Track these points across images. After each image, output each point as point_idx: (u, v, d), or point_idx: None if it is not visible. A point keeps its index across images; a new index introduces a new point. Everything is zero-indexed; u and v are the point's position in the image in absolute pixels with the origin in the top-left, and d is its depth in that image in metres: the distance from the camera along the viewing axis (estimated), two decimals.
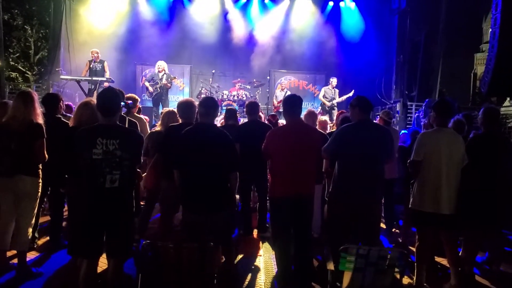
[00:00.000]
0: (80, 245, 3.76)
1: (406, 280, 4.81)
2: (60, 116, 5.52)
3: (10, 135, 4.53)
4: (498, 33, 11.13)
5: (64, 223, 5.86)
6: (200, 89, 14.21)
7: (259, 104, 7.87)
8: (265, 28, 16.62)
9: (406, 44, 15.27)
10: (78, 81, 11.67)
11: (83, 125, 4.32)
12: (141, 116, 7.35)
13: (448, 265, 5.04)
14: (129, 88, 13.94)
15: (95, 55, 12.34)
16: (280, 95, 13.89)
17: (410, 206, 4.76)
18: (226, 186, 4.35)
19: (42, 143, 4.63)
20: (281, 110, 13.05)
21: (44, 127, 4.64)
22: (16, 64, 23.55)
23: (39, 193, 4.81)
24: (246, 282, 4.89)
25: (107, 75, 12.27)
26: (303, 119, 6.36)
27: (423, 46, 14.68)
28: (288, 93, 14.04)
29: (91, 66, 12.33)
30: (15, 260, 4.78)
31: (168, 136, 5.07)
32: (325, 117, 8.30)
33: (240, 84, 14.10)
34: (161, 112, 8.39)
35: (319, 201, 5.99)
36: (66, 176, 4.91)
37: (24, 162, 4.59)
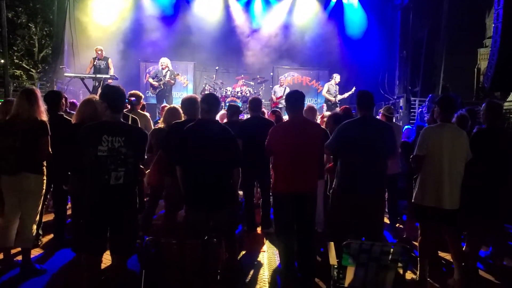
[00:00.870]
0: (84, 242, 3.77)
1: (409, 275, 4.83)
2: (63, 113, 5.53)
3: (14, 132, 4.55)
4: (500, 28, 11.11)
5: (68, 220, 5.89)
6: (203, 85, 14.19)
7: (262, 100, 7.85)
8: (268, 24, 16.57)
9: (409, 40, 15.22)
10: (82, 79, 11.69)
11: (86, 122, 4.34)
12: (145, 113, 7.36)
13: (451, 260, 5.05)
14: (132, 85, 13.92)
15: (99, 52, 12.38)
16: (279, 91, 13.86)
17: (412, 200, 4.76)
18: (228, 182, 4.36)
19: (46, 140, 4.65)
20: (280, 106, 13.14)
21: (48, 125, 4.66)
22: (21, 62, 23.64)
23: (44, 191, 4.83)
24: (250, 278, 4.90)
25: (112, 72, 12.29)
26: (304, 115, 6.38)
27: (426, 42, 14.65)
28: (287, 89, 14.08)
29: (95, 63, 12.37)
30: (20, 257, 4.81)
31: (171, 133, 5.08)
32: (328, 113, 8.28)
33: (243, 80, 14.09)
34: (161, 107, 8.43)
35: (322, 197, 5.99)
36: (69, 173, 4.93)
37: (29, 159, 4.61)
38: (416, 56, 15.04)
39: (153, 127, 6.62)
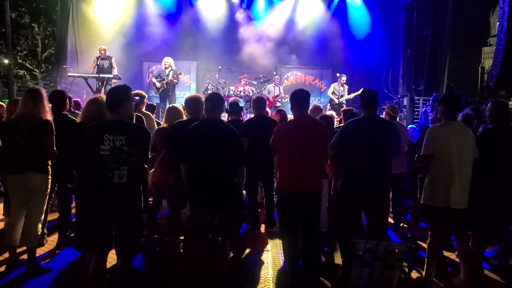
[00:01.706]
0: (89, 240, 3.78)
1: (414, 275, 4.80)
2: (67, 112, 5.55)
3: (19, 132, 4.56)
4: (506, 26, 11.04)
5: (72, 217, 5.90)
6: (206, 85, 14.19)
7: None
8: (272, 23, 16.55)
9: (413, 39, 15.18)
10: (85, 78, 11.70)
11: (91, 121, 4.35)
12: (149, 112, 7.36)
13: (456, 260, 5.03)
14: (136, 84, 13.96)
15: (103, 52, 12.39)
16: (273, 90, 13.88)
17: (421, 201, 4.72)
18: (233, 181, 4.37)
19: (51, 139, 4.66)
20: (277, 104, 13.14)
21: (53, 124, 4.67)
22: (24, 62, 23.70)
23: (49, 190, 4.85)
24: (254, 277, 4.89)
25: (115, 71, 12.30)
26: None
27: (430, 40, 14.58)
28: (282, 89, 14.10)
29: (98, 63, 12.38)
30: (25, 256, 4.83)
31: (175, 132, 5.08)
32: (331, 112, 8.26)
33: (246, 79, 14.09)
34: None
35: (327, 196, 5.98)
36: (74, 172, 4.94)
37: (34, 158, 4.62)
38: (420, 55, 14.99)
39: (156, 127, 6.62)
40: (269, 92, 13.81)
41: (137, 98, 6.57)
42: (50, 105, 5.06)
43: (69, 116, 5.50)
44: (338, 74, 13.93)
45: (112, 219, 3.69)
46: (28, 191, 4.67)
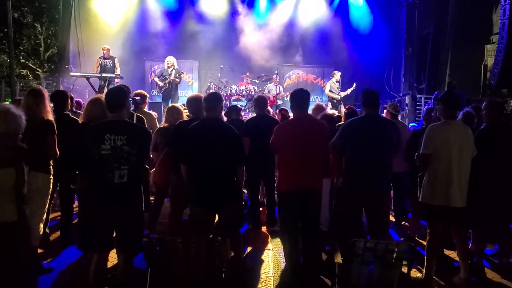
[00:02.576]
0: (90, 240, 3.80)
1: (414, 273, 4.81)
2: (69, 112, 5.57)
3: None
4: (507, 24, 11.05)
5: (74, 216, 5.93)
6: (208, 84, 14.23)
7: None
8: (273, 22, 16.54)
9: (414, 37, 15.14)
10: (87, 78, 11.72)
11: (93, 121, 4.39)
12: (151, 112, 7.39)
13: (456, 258, 5.04)
14: (138, 84, 13.99)
15: (105, 51, 12.41)
16: (273, 89, 13.91)
17: (420, 200, 4.74)
18: (233, 180, 4.39)
19: (53, 139, 4.68)
20: (278, 103, 13.16)
21: (55, 124, 4.69)
22: (27, 62, 23.72)
23: (50, 190, 4.86)
24: (255, 276, 4.91)
25: (118, 71, 12.32)
26: (311, 113, 6.38)
27: (432, 38, 14.58)
28: (281, 88, 14.11)
29: (101, 62, 12.40)
30: None
31: (176, 132, 5.10)
32: (332, 111, 8.26)
33: (248, 78, 14.10)
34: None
35: (328, 195, 5.99)
36: (77, 172, 4.97)
37: (36, 158, 4.63)
38: (422, 53, 14.98)
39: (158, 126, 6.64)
40: (269, 92, 13.81)
41: (138, 98, 6.59)
42: (52, 105, 5.07)
43: (71, 116, 5.53)
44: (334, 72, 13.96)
45: (113, 219, 3.72)
46: (30, 190, 4.66)
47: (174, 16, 16.32)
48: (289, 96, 5.08)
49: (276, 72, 15.82)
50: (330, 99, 13.71)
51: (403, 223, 6.83)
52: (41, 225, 4.84)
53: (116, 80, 11.68)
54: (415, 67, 15.14)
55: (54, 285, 4.51)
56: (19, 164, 3.19)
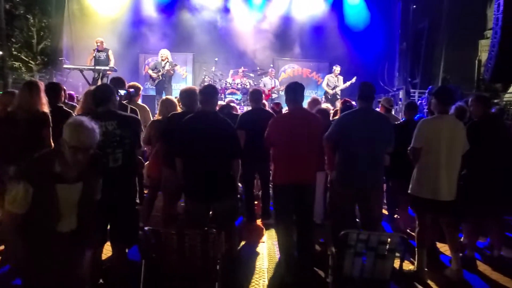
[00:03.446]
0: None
1: (406, 265, 4.85)
2: (62, 105, 5.56)
3: (16, 124, 4.58)
4: (501, 19, 11.08)
5: None
6: (203, 77, 14.18)
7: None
8: (269, 15, 16.54)
9: (409, 31, 15.20)
10: (81, 70, 11.68)
11: (90, 112, 4.40)
12: (144, 105, 7.36)
13: (448, 251, 5.09)
14: (132, 77, 13.92)
15: (99, 44, 12.33)
16: (268, 83, 13.91)
17: (409, 191, 4.79)
18: (228, 173, 4.39)
19: (48, 132, 4.68)
20: (273, 96, 13.15)
21: (50, 116, 4.69)
22: (19, 54, 23.51)
23: None
24: (249, 268, 4.94)
25: (112, 63, 12.24)
26: (306, 106, 6.39)
27: (426, 33, 14.62)
28: (277, 81, 14.10)
29: (95, 55, 12.33)
30: None
31: (170, 124, 5.10)
32: (326, 105, 8.29)
33: (243, 72, 14.08)
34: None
35: (322, 188, 6.02)
36: None
37: (31, 150, 4.61)
38: (416, 48, 15.04)
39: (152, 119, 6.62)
40: (265, 85, 13.80)
41: (132, 90, 6.56)
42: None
43: (65, 108, 5.52)
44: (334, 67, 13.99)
45: (108, 210, 3.70)
46: None
47: (168, 8, 16.27)
48: (284, 89, 5.09)
49: (271, 65, 15.81)
50: (326, 93, 13.74)
51: (395, 216, 6.87)
52: None
53: (108, 72, 11.64)
54: (409, 62, 15.21)
55: None
56: (88, 179, 3.07)
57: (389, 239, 3.52)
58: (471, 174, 4.94)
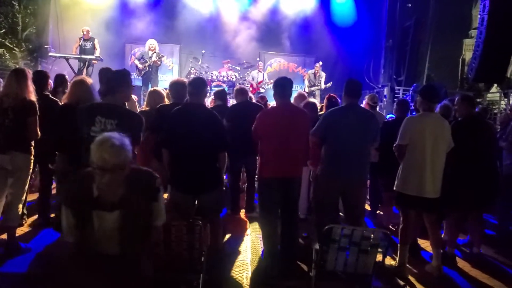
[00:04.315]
0: None
1: (388, 261, 4.93)
2: (49, 93, 5.54)
3: (3, 112, 4.54)
4: (486, 19, 11.18)
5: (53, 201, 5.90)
6: (189, 69, 14.14)
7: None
8: (256, 9, 16.49)
9: (395, 29, 15.29)
10: (67, 59, 11.58)
11: (80, 103, 4.38)
12: (132, 95, 7.33)
13: (428, 248, 5.18)
14: (118, 67, 13.59)
15: (85, 32, 12.23)
16: (257, 76, 13.94)
17: (394, 188, 4.86)
18: (215, 166, 4.41)
19: (35, 120, 4.64)
20: (261, 91, 13.17)
21: (37, 105, 4.66)
22: (4, 40, 23.21)
23: (31, 170, 4.84)
24: (233, 261, 4.97)
25: (98, 52, 12.17)
26: (293, 101, 6.43)
27: (412, 31, 14.71)
28: (265, 75, 14.13)
29: (81, 43, 12.22)
30: (4, 236, 4.81)
31: (158, 116, 5.09)
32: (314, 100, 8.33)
33: (229, 65, 14.06)
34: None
35: (306, 183, 6.07)
36: (56, 152, 4.95)
37: (17, 138, 4.59)
38: (402, 45, 15.12)
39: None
40: (253, 79, 13.82)
41: None
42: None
43: (51, 97, 5.49)
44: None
45: None
46: (10, 171, 4.65)
47: None
48: (272, 83, 5.12)
49: (258, 59, 15.81)
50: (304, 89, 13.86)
51: (378, 212, 6.97)
52: (20, 206, 4.84)
53: (94, 61, 11.56)
54: (394, 59, 15.30)
55: (31, 266, 4.50)
56: (131, 205, 2.73)
57: (372, 235, 3.59)
58: (454, 172, 5.02)
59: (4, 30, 23.33)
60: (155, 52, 12.41)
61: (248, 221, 6.36)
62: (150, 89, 6.42)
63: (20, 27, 23.65)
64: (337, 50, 16.36)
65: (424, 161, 4.58)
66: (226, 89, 12.75)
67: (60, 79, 6.35)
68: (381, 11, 16.00)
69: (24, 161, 4.68)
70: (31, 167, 4.82)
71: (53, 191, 5.92)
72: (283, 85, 4.81)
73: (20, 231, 5.23)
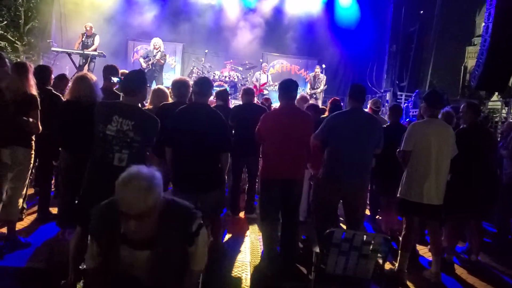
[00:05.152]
0: (75, 215, 3.79)
1: (387, 266, 4.93)
2: (51, 88, 5.53)
3: (4, 105, 4.52)
4: (491, 27, 11.20)
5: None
6: (191, 68, 14.13)
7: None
8: (260, 10, 16.51)
9: (399, 34, 15.31)
10: (69, 54, 11.57)
11: (83, 99, 4.37)
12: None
13: (427, 254, 5.18)
14: (120, 63, 13.67)
15: (88, 29, 12.21)
16: (262, 78, 13.95)
17: (398, 195, 4.85)
18: (217, 166, 4.40)
19: (36, 114, 4.62)
20: (264, 92, 13.17)
21: (38, 99, 4.64)
22: (6, 34, 23.15)
23: (31, 164, 4.82)
24: (232, 261, 4.97)
25: (94, 47, 12.11)
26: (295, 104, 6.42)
27: (416, 37, 14.72)
28: (269, 77, 14.12)
29: (83, 39, 12.20)
30: (4, 230, 4.80)
31: (161, 115, 5.08)
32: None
33: (232, 65, 14.06)
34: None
35: (306, 186, 6.06)
36: (60, 149, 4.94)
37: (18, 132, 4.58)
38: (406, 51, 15.14)
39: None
40: (257, 80, 13.82)
41: (123, 78, 6.53)
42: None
43: (54, 91, 5.48)
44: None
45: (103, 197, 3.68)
46: (11, 165, 4.64)
47: None
48: (277, 85, 5.12)
49: (261, 60, 15.82)
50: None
51: (377, 217, 6.96)
52: (20, 200, 4.82)
53: (97, 57, 11.54)
54: (398, 64, 15.32)
55: (31, 260, 4.49)
56: (164, 245, 2.43)
57: (373, 240, 3.58)
58: (457, 179, 5.02)
59: (6, 22, 23.25)
60: (159, 50, 12.39)
61: (247, 222, 6.35)
62: (154, 87, 6.39)
63: (23, 20, 23.60)
64: (341, 53, 16.38)
65: (429, 168, 4.56)
66: (227, 89, 12.80)
67: (59, 78, 6.33)
68: (386, 16, 16.03)
69: (24, 156, 4.66)
70: (32, 161, 4.81)
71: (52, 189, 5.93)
72: (288, 87, 4.81)
73: (19, 226, 5.22)
